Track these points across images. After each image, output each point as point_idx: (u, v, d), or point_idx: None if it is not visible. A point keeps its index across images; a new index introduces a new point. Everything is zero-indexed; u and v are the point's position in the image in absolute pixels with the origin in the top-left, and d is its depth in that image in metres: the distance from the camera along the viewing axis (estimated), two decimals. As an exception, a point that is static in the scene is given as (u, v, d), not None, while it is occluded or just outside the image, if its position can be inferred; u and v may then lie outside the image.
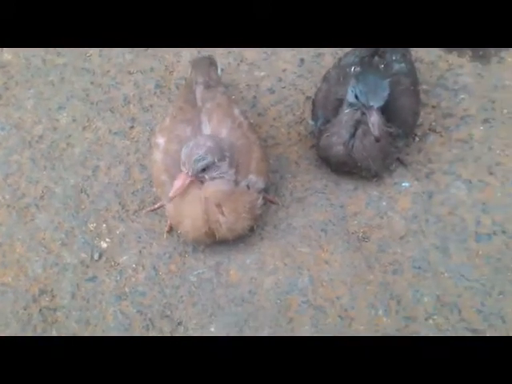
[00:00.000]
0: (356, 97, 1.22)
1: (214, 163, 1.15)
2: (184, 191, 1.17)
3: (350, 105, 1.25)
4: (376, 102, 1.20)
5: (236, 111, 1.31)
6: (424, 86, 1.54)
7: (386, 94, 1.21)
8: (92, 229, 1.39)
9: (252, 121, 1.41)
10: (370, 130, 1.21)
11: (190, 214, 1.21)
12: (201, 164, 1.14)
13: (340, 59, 1.43)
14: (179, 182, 1.15)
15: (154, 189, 1.39)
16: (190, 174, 1.15)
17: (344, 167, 1.37)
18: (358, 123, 1.26)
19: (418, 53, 1.62)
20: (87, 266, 1.33)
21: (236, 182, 1.21)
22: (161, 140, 1.28)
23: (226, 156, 1.18)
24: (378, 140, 1.21)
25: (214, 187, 1.18)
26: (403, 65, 1.38)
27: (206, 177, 1.17)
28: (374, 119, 1.19)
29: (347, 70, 1.36)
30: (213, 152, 1.15)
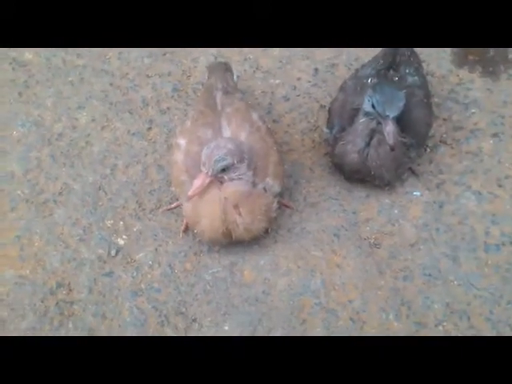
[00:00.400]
0: (373, 106, 1.25)
1: (233, 164, 1.19)
2: (203, 191, 1.21)
3: (366, 114, 1.29)
4: (392, 112, 1.24)
5: (254, 116, 1.35)
6: (435, 99, 1.58)
7: (401, 104, 1.25)
8: (109, 225, 1.42)
9: (269, 125, 1.45)
10: (384, 139, 1.25)
11: (208, 213, 1.24)
12: (221, 165, 1.18)
13: (357, 70, 1.48)
14: (199, 182, 1.19)
15: (173, 188, 1.42)
16: (209, 173, 1.19)
17: (357, 175, 1.40)
18: (373, 132, 1.30)
19: (429, 66, 1.67)
20: (104, 262, 1.36)
21: (254, 184, 1.25)
22: (182, 141, 1.32)
23: (244, 158, 1.21)
24: (392, 149, 1.25)
25: (233, 187, 1.21)
26: (416, 78, 1.43)
27: (225, 177, 1.21)
28: (390, 128, 1.23)
29: (364, 81, 1.40)
30: (232, 154, 1.18)
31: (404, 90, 1.30)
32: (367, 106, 1.27)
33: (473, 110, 1.57)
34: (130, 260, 1.36)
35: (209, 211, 1.23)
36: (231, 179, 1.21)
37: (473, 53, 1.70)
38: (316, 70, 1.71)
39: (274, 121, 1.61)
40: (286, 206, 1.43)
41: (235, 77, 1.52)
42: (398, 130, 1.29)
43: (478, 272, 1.30)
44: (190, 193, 1.20)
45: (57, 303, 1.31)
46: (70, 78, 1.73)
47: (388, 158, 1.32)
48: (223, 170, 1.19)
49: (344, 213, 1.42)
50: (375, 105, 1.25)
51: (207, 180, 1.19)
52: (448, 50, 1.70)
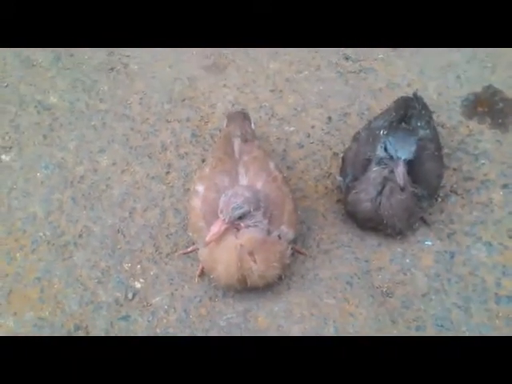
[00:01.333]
0: (385, 149, 1.29)
1: (249, 212, 1.23)
2: (220, 237, 1.24)
3: (379, 162, 1.33)
4: (404, 154, 1.27)
5: (271, 165, 1.40)
6: (446, 150, 1.62)
7: (413, 148, 1.29)
8: (127, 269, 1.45)
9: (285, 174, 1.50)
10: (396, 188, 1.29)
11: (224, 260, 1.27)
12: (238, 212, 1.22)
13: (370, 122, 1.53)
14: (216, 228, 1.22)
15: (190, 233, 1.46)
16: (226, 220, 1.22)
17: (370, 223, 1.44)
18: (385, 180, 1.33)
19: (439, 118, 1.72)
20: (121, 305, 1.39)
21: (269, 232, 1.29)
22: (200, 188, 1.36)
23: (260, 206, 1.25)
24: (402, 189, 1.28)
25: (249, 234, 1.25)
26: (428, 131, 1.48)
27: (242, 224, 1.24)
28: (401, 169, 1.27)
29: (376, 132, 1.45)
30: (249, 202, 1.23)
31: (417, 136, 1.34)
32: (380, 151, 1.31)
33: (483, 161, 1.61)
34: (146, 304, 1.39)
35: (225, 258, 1.27)
36: (247, 226, 1.25)
37: (482, 104, 1.75)
38: (329, 118, 1.77)
39: (288, 167, 1.66)
40: (300, 253, 1.46)
41: (252, 125, 1.58)
42: (409, 179, 1.33)
43: (490, 324, 1.31)
44: (207, 238, 1.23)
45: (74, 346, 1.33)
46: (92, 122, 1.80)
47: (400, 208, 1.36)
48: (240, 218, 1.23)
49: (356, 261, 1.45)
50: (388, 147, 1.29)
51: (224, 227, 1.23)
52: (458, 101, 1.75)
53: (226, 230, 1.24)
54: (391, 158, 1.28)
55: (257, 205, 1.24)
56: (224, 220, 1.22)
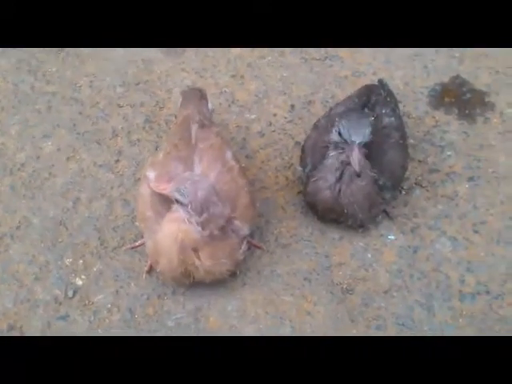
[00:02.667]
0: (339, 133, 1.22)
1: (186, 207, 1.12)
2: (158, 215, 1.19)
3: (335, 146, 1.25)
4: (358, 138, 1.20)
5: (228, 154, 1.30)
6: (411, 141, 1.56)
7: (368, 130, 1.21)
8: (68, 264, 1.34)
9: (243, 163, 1.40)
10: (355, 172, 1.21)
11: (166, 253, 1.17)
12: (176, 195, 1.12)
13: (331, 109, 1.45)
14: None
15: (137, 223, 1.35)
16: (168, 191, 1.15)
17: (330, 214, 1.36)
18: (343, 166, 1.25)
19: (405, 108, 1.65)
20: (60, 304, 1.27)
21: (223, 230, 1.18)
22: (151, 174, 1.26)
23: (202, 214, 1.12)
24: (358, 175, 1.21)
25: (191, 232, 1.14)
26: (393, 119, 1.41)
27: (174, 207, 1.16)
28: (355, 154, 1.19)
29: (336, 119, 1.37)
30: (193, 201, 1.11)
31: (372, 118, 1.27)
32: (334, 135, 1.24)
33: (449, 153, 1.55)
34: (87, 302, 1.28)
35: (167, 250, 1.17)
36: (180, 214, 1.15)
37: (449, 95, 1.69)
38: (292, 106, 1.68)
39: (248, 156, 1.57)
40: (256, 247, 1.37)
41: (210, 105, 1.47)
42: (368, 163, 1.26)
43: (453, 323, 1.25)
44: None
45: (5, 349, 1.21)
46: (37, 106, 1.67)
47: (360, 195, 1.28)
48: (176, 201, 1.13)
49: (316, 256, 1.37)
50: (341, 131, 1.22)
51: (164, 192, 1.16)
52: (425, 91, 1.69)
53: (169, 213, 1.17)
54: (346, 142, 1.20)
55: (198, 209, 1.12)
56: (166, 188, 1.15)
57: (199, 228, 1.13)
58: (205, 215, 1.12)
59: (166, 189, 1.15)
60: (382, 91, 1.45)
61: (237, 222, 1.21)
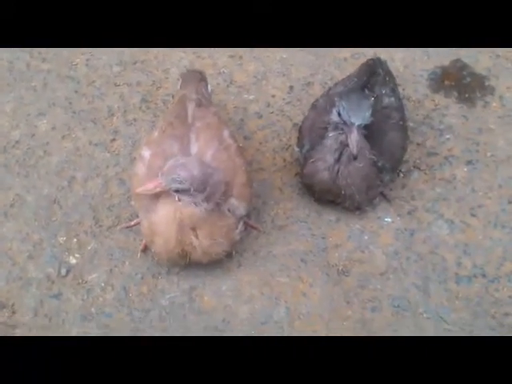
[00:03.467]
0: (339, 114, 1.20)
1: (189, 191, 1.11)
2: (153, 195, 1.15)
3: (335, 127, 1.24)
4: (357, 120, 1.18)
5: (225, 133, 1.28)
6: (410, 124, 1.54)
7: (368, 113, 1.19)
8: (62, 242, 1.32)
9: (240, 144, 1.39)
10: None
11: (164, 232, 1.16)
12: (175, 186, 1.10)
13: (329, 88, 1.43)
14: (151, 185, 1.13)
15: (132, 202, 1.34)
16: (162, 185, 1.12)
17: (328, 195, 1.34)
18: (342, 147, 1.24)
19: (405, 90, 1.63)
20: (53, 282, 1.26)
21: (218, 206, 1.17)
22: (146, 153, 1.24)
23: (206, 189, 1.12)
24: (355, 158, 1.20)
25: (190, 210, 1.13)
26: (393, 99, 1.39)
27: (177, 197, 1.13)
28: (354, 136, 1.18)
29: (335, 99, 1.35)
30: (193, 181, 1.10)
31: (372, 98, 1.25)
32: (334, 115, 1.22)
33: (447, 136, 1.53)
34: (81, 281, 1.27)
35: (164, 230, 1.16)
36: (183, 201, 1.13)
37: (449, 78, 1.67)
38: (291, 87, 1.66)
39: (246, 137, 1.55)
40: (253, 228, 1.36)
41: (209, 87, 1.45)
42: (367, 145, 1.24)
43: (449, 305, 1.25)
44: (137, 190, 1.14)
45: (-3, 326, 1.21)
46: (33, 83, 1.64)
47: (358, 177, 1.26)
48: (177, 191, 1.12)
49: (313, 237, 1.36)
50: (341, 112, 1.20)
51: (158, 189, 1.13)
52: (425, 74, 1.67)
53: (166, 196, 1.14)
54: (345, 123, 1.19)
55: (201, 187, 1.11)
56: (160, 183, 1.12)
57: (205, 203, 1.12)
58: (208, 189, 1.11)
59: (158, 185, 1.12)
60: (380, 70, 1.42)
61: (233, 201, 1.19)
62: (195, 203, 1.12)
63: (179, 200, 1.12)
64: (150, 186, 1.13)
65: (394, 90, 1.39)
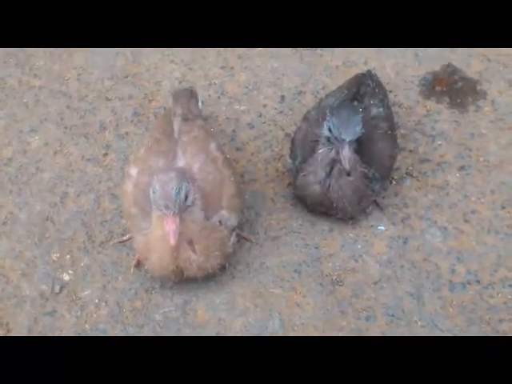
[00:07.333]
0: (329, 130, 1.21)
1: (189, 186, 1.08)
2: (145, 213, 1.13)
3: (325, 142, 1.24)
4: (348, 136, 1.19)
5: (212, 146, 1.28)
6: (402, 131, 1.55)
7: (358, 128, 1.20)
8: (55, 259, 1.32)
9: (229, 156, 1.39)
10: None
11: (159, 249, 1.15)
12: (182, 194, 1.06)
13: (321, 100, 1.44)
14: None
15: (124, 221, 1.34)
16: (177, 211, 1.05)
17: (320, 207, 1.35)
18: (333, 162, 1.25)
19: (396, 97, 1.63)
20: (47, 299, 1.26)
21: (206, 217, 1.17)
22: (133, 171, 1.24)
23: (188, 199, 1.09)
24: (348, 174, 1.21)
25: (187, 218, 1.11)
26: (381, 109, 1.39)
27: (189, 204, 1.09)
28: (346, 153, 1.19)
29: (326, 111, 1.35)
30: (181, 177, 1.07)
31: (361, 115, 1.26)
32: (325, 131, 1.23)
33: (439, 142, 1.53)
34: (74, 298, 1.27)
35: (159, 247, 1.15)
36: (192, 203, 1.10)
37: (441, 83, 1.67)
38: (283, 97, 1.66)
39: (238, 148, 1.55)
40: (246, 239, 1.36)
41: (200, 103, 1.46)
42: (358, 158, 1.25)
43: (443, 312, 1.24)
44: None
45: (-8, 345, 1.20)
46: (24, 100, 1.65)
47: (349, 190, 1.27)
48: (186, 198, 1.07)
49: (306, 247, 1.36)
50: (332, 128, 1.20)
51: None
52: (416, 80, 1.67)
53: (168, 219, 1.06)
54: (336, 139, 1.19)
55: (188, 177, 1.09)
56: (174, 213, 1.05)
57: (202, 212, 1.13)
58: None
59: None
60: (370, 82, 1.43)
61: (224, 212, 1.19)
62: (196, 199, 1.10)
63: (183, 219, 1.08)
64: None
65: (382, 101, 1.40)
